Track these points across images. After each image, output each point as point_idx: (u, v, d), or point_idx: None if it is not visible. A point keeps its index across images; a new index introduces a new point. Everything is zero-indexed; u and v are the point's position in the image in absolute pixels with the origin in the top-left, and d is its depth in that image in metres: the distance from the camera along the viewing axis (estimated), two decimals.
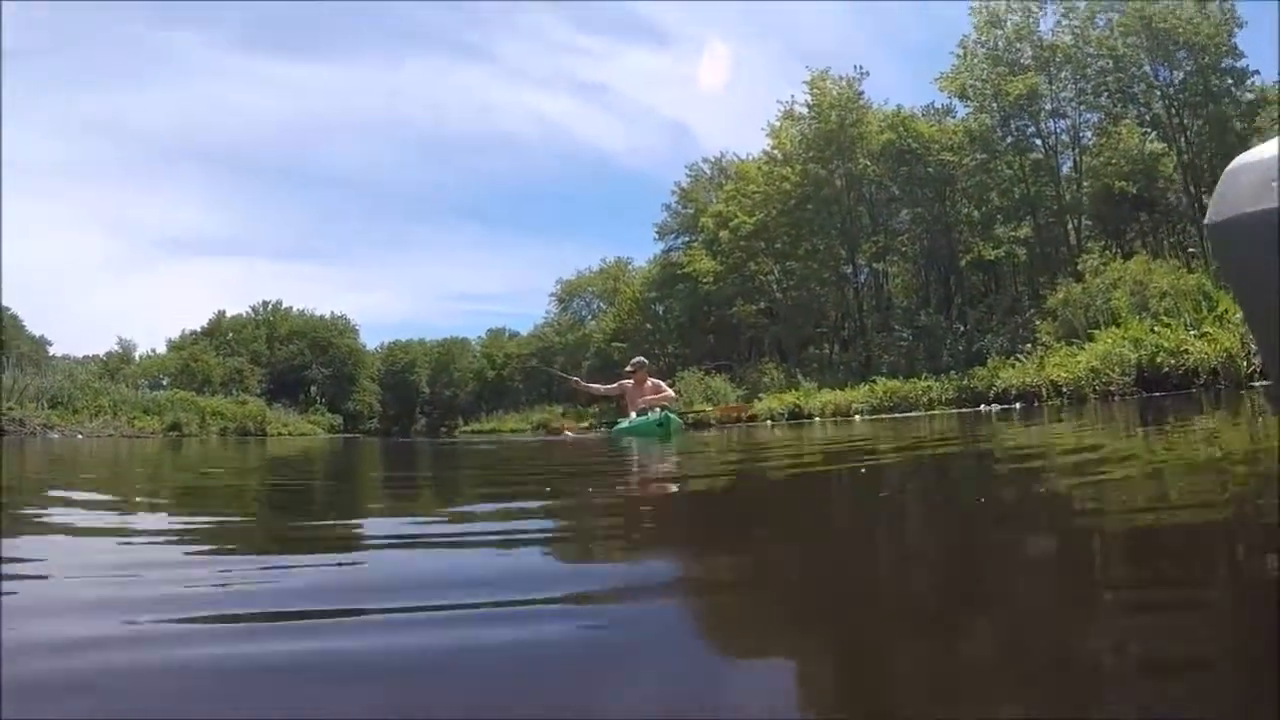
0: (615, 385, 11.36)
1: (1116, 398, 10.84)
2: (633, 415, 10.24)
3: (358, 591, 1.74)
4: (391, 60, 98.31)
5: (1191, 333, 11.10)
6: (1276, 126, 18.96)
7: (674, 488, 4.10)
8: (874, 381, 18.77)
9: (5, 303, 37.19)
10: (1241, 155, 2.62)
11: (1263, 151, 2.21)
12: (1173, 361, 10.77)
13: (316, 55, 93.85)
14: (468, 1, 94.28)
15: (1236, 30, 19.32)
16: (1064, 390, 12.14)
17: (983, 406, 14.34)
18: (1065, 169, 23.21)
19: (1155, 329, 11.80)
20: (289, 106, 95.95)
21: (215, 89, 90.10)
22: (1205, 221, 2.61)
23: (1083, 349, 13.16)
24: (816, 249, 27.79)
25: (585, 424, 20.46)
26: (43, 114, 72.50)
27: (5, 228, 48.17)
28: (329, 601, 1.63)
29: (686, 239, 36.59)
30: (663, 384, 11.03)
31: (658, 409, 9.92)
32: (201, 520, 3.21)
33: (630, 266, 45.46)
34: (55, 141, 76.80)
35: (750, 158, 32.36)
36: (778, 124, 29.13)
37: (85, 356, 42.40)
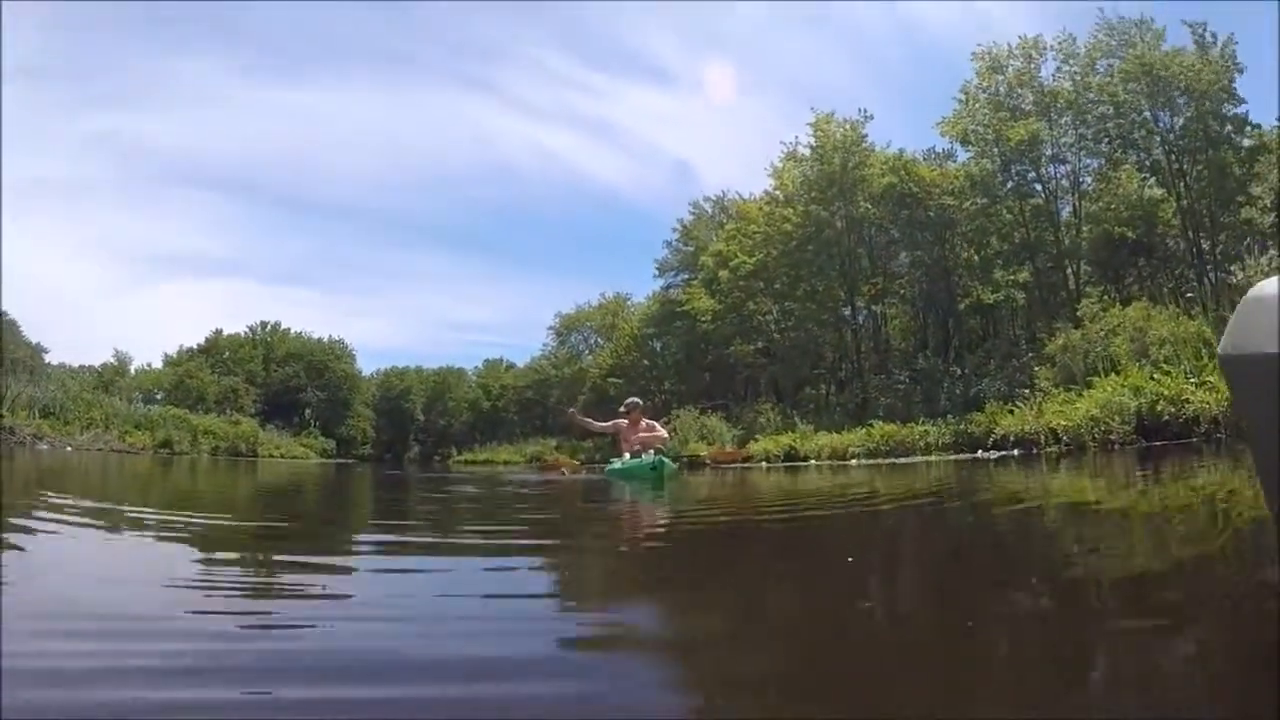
0: (610, 424, 11.41)
1: (1117, 446, 10.67)
2: (626, 456, 10.29)
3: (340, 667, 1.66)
4: (395, 90, 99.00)
5: (1191, 380, 10.97)
6: (1274, 173, 19.03)
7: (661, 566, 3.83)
8: (871, 425, 18.58)
9: (4, 307, 36.80)
10: (1260, 286, 2.59)
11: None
12: (1172, 410, 10.62)
13: (322, 84, 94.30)
14: (472, 33, 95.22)
15: (1237, 76, 19.39)
16: (1063, 438, 11.96)
17: (980, 452, 14.16)
18: (1064, 214, 23.24)
19: (1155, 376, 11.67)
20: (294, 133, 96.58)
21: (222, 114, 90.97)
22: (1219, 351, 2.60)
23: (1081, 395, 13.02)
24: (815, 290, 27.74)
25: (579, 459, 20.34)
26: (51, 131, 72.83)
27: (9, 239, 48.28)
28: (319, 679, 1.56)
29: (686, 276, 36.58)
30: (656, 424, 11.02)
31: (651, 451, 9.95)
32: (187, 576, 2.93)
33: (629, 302, 45.44)
34: (63, 159, 77.31)
35: (752, 197, 32.48)
36: (780, 164, 29.24)
37: (81, 366, 42.11)
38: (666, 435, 10.59)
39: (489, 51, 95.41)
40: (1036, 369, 16.47)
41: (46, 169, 68.19)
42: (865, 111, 27.41)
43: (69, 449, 21.32)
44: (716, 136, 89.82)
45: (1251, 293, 2.50)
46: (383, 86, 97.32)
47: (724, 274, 29.30)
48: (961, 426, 16.35)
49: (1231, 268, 18.42)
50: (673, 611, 2.40)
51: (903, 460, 15.00)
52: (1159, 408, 10.76)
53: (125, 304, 77.71)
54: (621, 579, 2.97)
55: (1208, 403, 10.03)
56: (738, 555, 3.44)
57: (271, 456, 34.13)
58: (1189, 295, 19.42)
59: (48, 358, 39.40)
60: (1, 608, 1.88)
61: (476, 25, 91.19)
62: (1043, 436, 12.49)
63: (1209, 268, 20.08)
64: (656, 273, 39.82)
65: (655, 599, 2.57)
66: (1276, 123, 19.69)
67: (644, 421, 10.93)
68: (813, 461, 17.74)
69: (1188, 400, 10.37)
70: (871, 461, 15.72)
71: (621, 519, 5.57)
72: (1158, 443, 10.34)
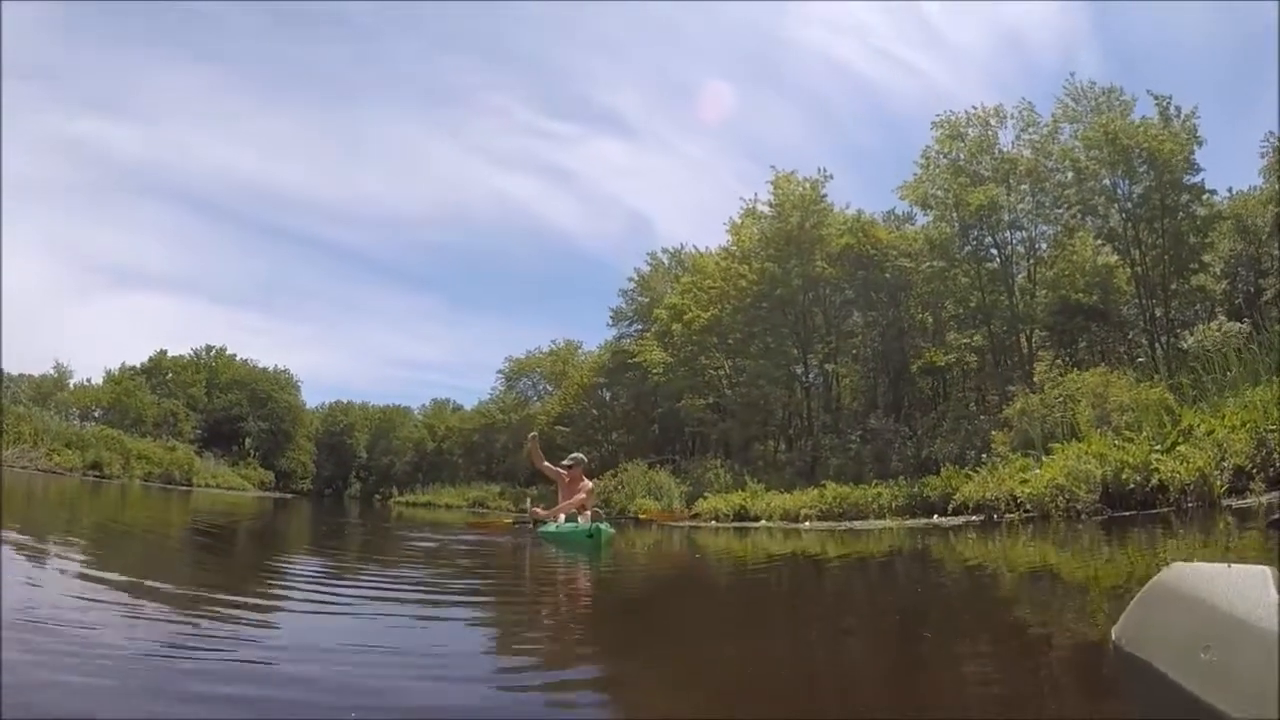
0: (555, 473, 10.75)
1: (1083, 515, 10.19)
2: (561, 518, 9.87)
3: None
4: (364, 126, 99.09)
5: (1157, 448, 10.59)
6: (1225, 241, 19.25)
7: None
8: (823, 486, 18.03)
9: None
10: (1165, 574, 2.34)
11: (1192, 597, 2.09)
12: (1139, 479, 10.20)
13: (293, 112, 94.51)
14: (442, 76, 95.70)
15: (1196, 147, 19.58)
16: (1024, 505, 11.47)
17: (936, 517, 13.67)
18: (1019, 278, 23.22)
19: (1118, 444, 11.29)
20: (262, 157, 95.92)
21: (191, 130, 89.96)
22: (1114, 635, 2.52)
23: (1040, 461, 12.61)
24: (769, 347, 27.41)
25: (525, 505, 19.51)
26: (15, 129, 70.57)
27: None
28: None
29: (639, 328, 36.12)
30: (588, 484, 10.46)
31: (587, 514, 9.76)
32: None
33: (580, 350, 44.91)
34: (24, 158, 74.95)
35: (708, 251, 32.26)
36: (739, 220, 29.11)
37: (20, 374, 40.38)
38: (583, 498, 10.02)
39: (457, 95, 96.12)
40: (993, 433, 16.09)
41: (4, 168, 65.68)
42: (825, 171, 27.55)
43: None
44: (674, 191, 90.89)
45: (1157, 579, 2.24)
46: (352, 121, 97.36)
47: (677, 327, 28.85)
48: (915, 489, 15.87)
49: (1183, 333, 18.48)
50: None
51: (858, 524, 14.44)
52: (1124, 476, 10.33)
53: (72, 313, 75.40)
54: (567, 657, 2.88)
55: (1177, 472, 9.61)
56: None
57: (207, 486, 32.89)
58: (1140, 360, 19.39)
59: None
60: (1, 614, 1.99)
61: (447, 68, 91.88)
62: (1003, 503, 11.99)
63: (1161, 333, 20.11)
64: (610, 322, 39.39)
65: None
66: (1229, 191, 20.02)
67: (582, 481, 10.52)
68: (764, 522, 17.13)
69: (1155, 469, 9.95)
70: (825, 525, 15.13)
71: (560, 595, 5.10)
72: (1124, 512, 9.90)
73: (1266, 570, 2.00)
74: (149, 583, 3.90)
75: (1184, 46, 48.58)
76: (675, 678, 2.43)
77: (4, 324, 65.37)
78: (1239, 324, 16.30)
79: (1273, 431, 9.42)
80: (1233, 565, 2.12)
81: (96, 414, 40.44)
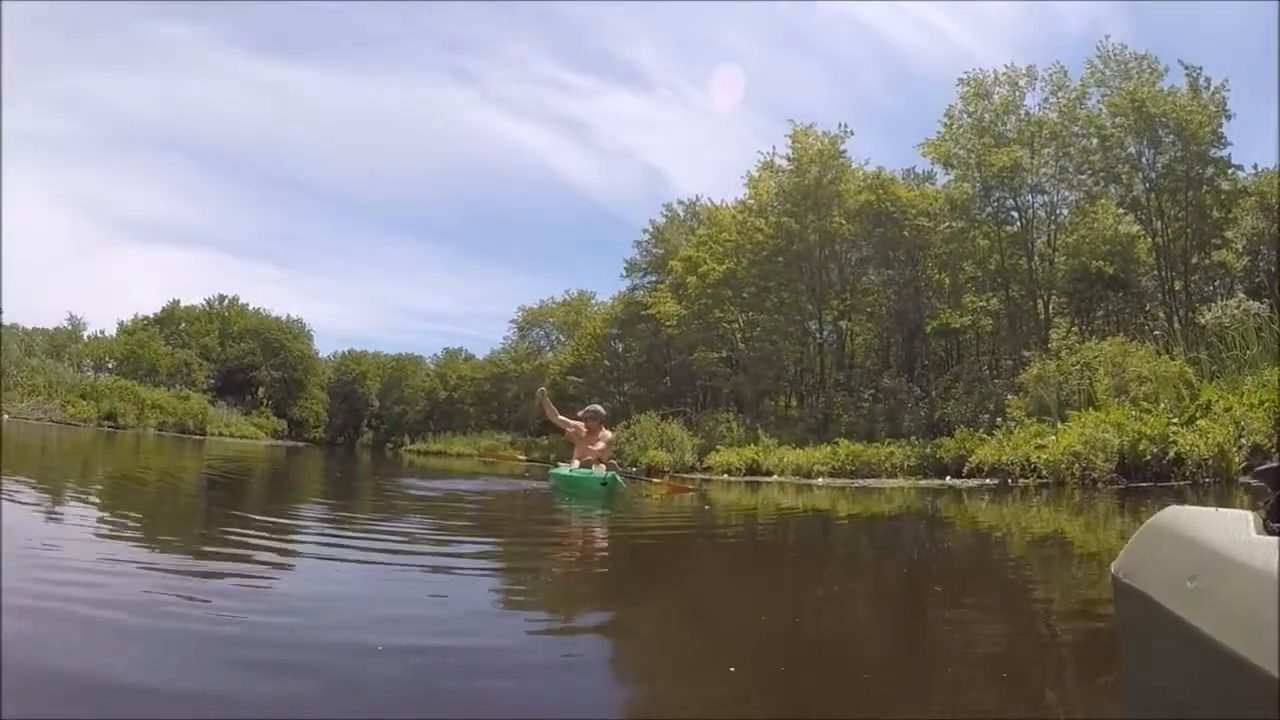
0: (572, 424, 10.81)
1: (1100, 484, 10.36)
2: (575, 464, 10.01)
3: None
4: (378, 77, 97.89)
5: (1175, 421, 10.72)
6: (1248, 218, 19.09)
7: None
8: (836, 443, 18.21)
9: None
10: (1160, 515, 2.43)
11: (1183, 535, 2.05)
12: (1155, 450, 10.36)
13: (305, 62, 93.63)
14: (457, 27, 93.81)
15: (1224, 120, 19.37)
16: (1040, 471, 11.64)
17: (949, 479, 13.86)
18: (1039, 243, 23.10)
19: (1136, 414, 11.42)
20: (273, 110, 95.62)
21: (203, 83, 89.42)
22: (1113, 569, 2.63)
23: (1054, 428, 12.74)
24: (783, 302, 27.44)
25: (535, 456, 19.66)
26: (27, 84, 69.90)
27: None
28: None
29: (653, 279, 36.08)
30: (608, 434, 10.60)
31: (602, 466, 9.78)
32: None
33: (593, 301, 44.86)
34: (36, 114, 74.40)
35: (724, 204, 32.09)
36: (756, 174, 28.90)
37: (34, 328, 40.79)
38: (602, 447, 10.17)
39: (473, 46, 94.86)
40: (1008, 397, 16.21)
41: (17, 123, 65.40)
42: (845, 126, 27.20)
43: (7, 417, 20.27)
44: (691, 147, 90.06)
45: (1153, 519, 2.39)
46: (365, 72, 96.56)
47: (691, 279, 28.83)
48: (928, 450, 16.04)
49: (1200, 308, 18.46)
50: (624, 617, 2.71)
51: (871, 483, 14.66)
52: (1141, 447, 10.48)
53: (86, 266, 75.83)
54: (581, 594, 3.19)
55: (1195, 445, 9.76)
56: None
57: (220, 435, 33.37)
58: (1156, 333, 19.40)
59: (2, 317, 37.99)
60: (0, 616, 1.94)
61: (462, 19, 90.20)
62: (1018, 468, 12.16)
63: (1179, 307, 20.08)
64: (624, 273, 39.26)
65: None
66: (1254, 168, 19.81)
67: (600, 432, 10.59)
68: (775, 477, 17.38)
69: (1173, 441, 10.09)
70: (838, 482, 15.36)
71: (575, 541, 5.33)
72: (1140, 484, 10.07)
73: (1248, 514, 2.23)
74: (159, 535, 4.02)
75: (1216, 25, 47.42)
76: (691, 638, 2.50)
77: (19, 278, 65.76)
78: (1258, 303, 16.25)
79: None
80: (1219, 509, 2.35)
81: (110, 365, 40.91)
